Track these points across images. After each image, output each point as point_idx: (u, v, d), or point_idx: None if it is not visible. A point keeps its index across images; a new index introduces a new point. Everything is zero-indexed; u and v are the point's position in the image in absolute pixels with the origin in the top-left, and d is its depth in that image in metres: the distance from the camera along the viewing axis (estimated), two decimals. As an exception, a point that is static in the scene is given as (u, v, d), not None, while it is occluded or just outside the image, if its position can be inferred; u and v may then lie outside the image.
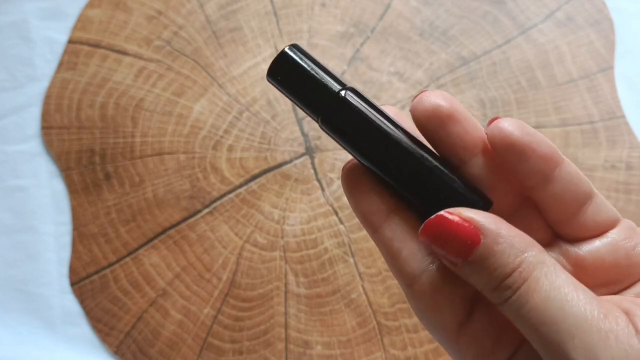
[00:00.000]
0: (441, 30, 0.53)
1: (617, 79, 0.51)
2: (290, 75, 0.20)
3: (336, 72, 0.51)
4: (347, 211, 0.48)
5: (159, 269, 0.47)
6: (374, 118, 0.19)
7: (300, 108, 0.20)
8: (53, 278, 0.48)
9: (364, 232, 0.48)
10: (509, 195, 0.20)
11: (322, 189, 0.49)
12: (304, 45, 0.53)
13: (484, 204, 0.19)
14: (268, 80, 0.20)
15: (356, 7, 0.54)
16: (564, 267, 0.19)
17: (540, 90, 0.51)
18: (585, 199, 0.19)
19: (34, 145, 0.51)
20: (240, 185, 0.49)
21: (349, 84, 0.20)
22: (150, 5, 0.54)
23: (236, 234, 0.48)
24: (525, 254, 0.17)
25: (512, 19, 0.53)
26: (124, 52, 0.53)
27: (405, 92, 0.51)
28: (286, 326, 0.46)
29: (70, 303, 0.47)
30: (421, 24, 0.53)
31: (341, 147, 0.20)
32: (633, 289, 0.19)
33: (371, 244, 0.47)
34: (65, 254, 0.48)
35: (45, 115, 0.51)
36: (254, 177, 0.49)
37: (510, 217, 0.19)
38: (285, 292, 0.47)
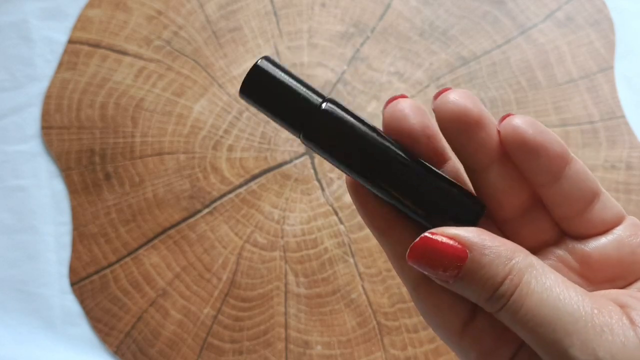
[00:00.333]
0: (441, 30, 0.53)
1: (617, 79, 0.51)
2: (267, 90, 0.18)
3: (335, 72, 0.51)
4: (347, 211, 0.48)
5: (159, 269, 0.47)
6: (358, 129, 0.18)
7: (279, 124, 0.19)
8: (53, 278, 0.48)
9: (364, 232, 0.48)
10: (522, 195, 0.20)
11: (322, 189, 0.49)
12: (304, 45, 0.53)
13: (478, 209, 0.19)
14: (242, 97, 0.19)
15: (356, 7, 0.54)
16: (570, 264, 0.20)
17: (540, 90, 0.51)
18: (592, 196, 0.19)
19: (34, 145, 0.51)
20: (240, 185, 0.49)
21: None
22: (150, 5, 0.54)
23: (236, 234, 0.48)
24: (513, 261, 0.17)
25: (512, 19, 0.53)
26: (124, 52, 0.53)
27: (405, 92, 0.51)
28: (286, 326, 0.46)
29: (70, 303, 0.47)
30: (421, 24, 0.53)
31: (326, 159, 0.19)
32: (638, 284, 0.19)
33: (371, 244, 0.47)
34: (65, 254, 0.48)
35: (45, 115, 0.51)
36: (254, 177, 0.49)
37: (520, 217, 0.20)
38: (285, 292, 0.47)
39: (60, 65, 0.53)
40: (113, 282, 0.47)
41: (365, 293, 0.46)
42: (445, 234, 0.18)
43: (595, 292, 0.18)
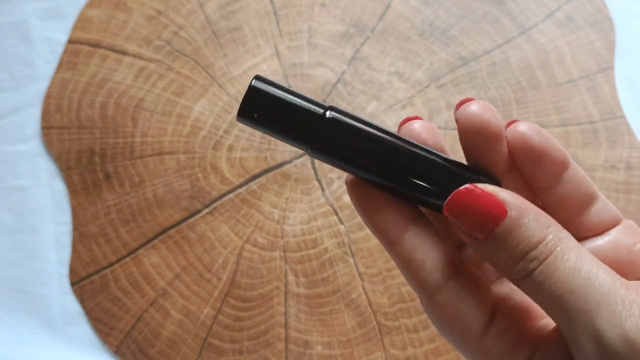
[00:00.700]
0: (441, 30, 0.53)
1: (617, 79, 0.51)
2: (267, 109, 0.18)
3: (335, 72, 0.51)
4: (347, 211, 0.48)
5: (159, 269, 0.47)
6: (366, 131, 0.18)
7: (284, 141, 0.19)
8: (53, 278, 0.48)
9: (364, 232, 0.48)
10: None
11: (322, 189, 0.49)
12: (304, 45, 0.53)
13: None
14: (241, 121, 0.18)
15: (356, 7, 0.54)
16: None
17: (540, 90, 0.51)
18: (589, 199, 0.20)
19: (34, 145, 0.51)
20: (240, 185, 0.49)
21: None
22: (150, 5, 0.54)
23: (236, 234, 0.48)
24: (550, 228, 0.18)
25: (512, 19, 0.53)
26: (124, 52, 0.53)
27: (405, 92, 0.51)
28: (286, 326, 0.46)
29: (70, 303, 0.47)
30: (421, 24, 0.53)
31: (336, 167, 0.19)
32: (636, 284, 0.19)
33: (371, 244, 0.47)
34: (65, 254, 0.48)
35: (45, 115, 0.51)
36: (254, 177, 0.49)
37: None
38: (285, 292, 0.47)
39: (60, 65, 0.53)
40: (113, 282, 0.47)
41: (365, 293, 0.46)
42: (488, 189, 0.18)
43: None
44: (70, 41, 0.53)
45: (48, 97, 0.52)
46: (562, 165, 0.19)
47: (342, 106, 0.50)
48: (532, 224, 0.17)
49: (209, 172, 0.50)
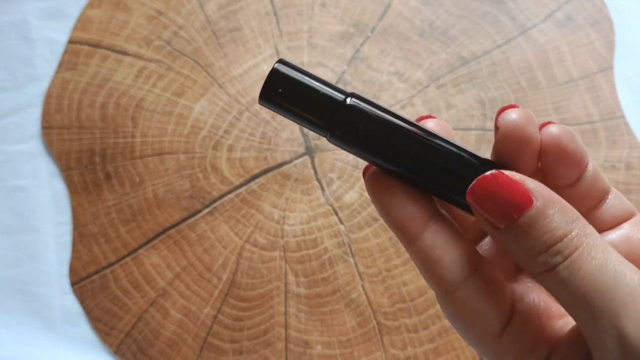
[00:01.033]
0: (441, 30, 0.53)
1: (617, 79, 0.51)
2: (288, 93, 0.18)
3: (335, 72, 0.51)
4: (347, 211, 0.48)
5: (159, 268, 0.48)
6: (388, 119, 0.18)
7: (304, 125, 0.19)
8: (53, 278, 0.48)
9: (364, 232, 0.48)
10: None
11: (322, 189, 0.49)
12: (304, 45, 0.53)
13: None
14: (262, 104, 0.18)
15: (356, 7, 0.54)
16: None
17: (540, 90, 0.51)
18: (603, 194, 0.20)
19: (34, 145, 0.51)
20: (240, 185, 0.49)
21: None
22: (150, 5, 0.54)
23: (236, 234, 0.48)
24: (577, 222, 0.17)
25: (512, 19, 0.53)
26: (124, 52, 0.53)
27: (405, 92, 0.51)
28: (286, 326, 0.46)
29: (70, 303, 0.47)
30: (421, 24, 0.53)
31: (356, 155, 0.19)
32: None
33: (371, 243, 0.47)
34: (66, 254, 0.48)
35: (46, 115, 0.51)
36: (254, 177, 0.49)
37: None
38: (285, 292, 0.47)
39: (61, 65, 0.53)
40: (113, 282, 0.47)
41: (365, 293, 0.46)
42: (515, 176, 0.17)
43: None
44: (71, 41, 0.53)
45: (48, 97, 0.52)
46: (585, 166, 0.20)
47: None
48: (557, 216, 0.17)
49: (209, 172, 0.50)
